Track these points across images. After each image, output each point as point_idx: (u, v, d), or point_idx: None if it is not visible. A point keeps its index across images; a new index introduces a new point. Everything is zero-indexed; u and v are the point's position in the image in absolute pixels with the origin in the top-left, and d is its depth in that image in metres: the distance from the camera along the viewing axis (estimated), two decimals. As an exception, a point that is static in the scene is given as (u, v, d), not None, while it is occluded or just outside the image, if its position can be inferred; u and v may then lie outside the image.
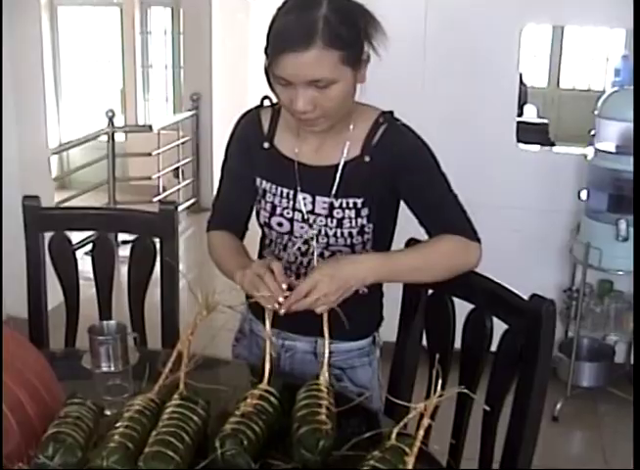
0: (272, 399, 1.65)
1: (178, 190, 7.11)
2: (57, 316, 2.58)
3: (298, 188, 1.91)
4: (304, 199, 1.91)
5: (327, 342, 1.74)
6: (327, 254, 1.94)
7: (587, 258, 3.65)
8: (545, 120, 6.38)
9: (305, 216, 1.92)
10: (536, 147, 4.30)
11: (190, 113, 7.09)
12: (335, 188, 1.89)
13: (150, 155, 6.69)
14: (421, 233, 1.91)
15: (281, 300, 1.71)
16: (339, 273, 1.73)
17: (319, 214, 1.91)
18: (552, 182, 3.92)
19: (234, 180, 2.05)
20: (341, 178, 1.88)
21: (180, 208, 6.79)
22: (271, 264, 1.75)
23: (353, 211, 1.89)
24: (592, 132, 3.79)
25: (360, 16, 1.74)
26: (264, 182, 1.96)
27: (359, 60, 1.75)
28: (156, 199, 6.41)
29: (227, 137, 2.05)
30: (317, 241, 1.93)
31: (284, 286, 1.72)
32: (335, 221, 1.90)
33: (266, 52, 1.73)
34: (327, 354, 1.74)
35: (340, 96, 1.74)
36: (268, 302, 1.73)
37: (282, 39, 1.69)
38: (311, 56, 1.66)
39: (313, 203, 1.91)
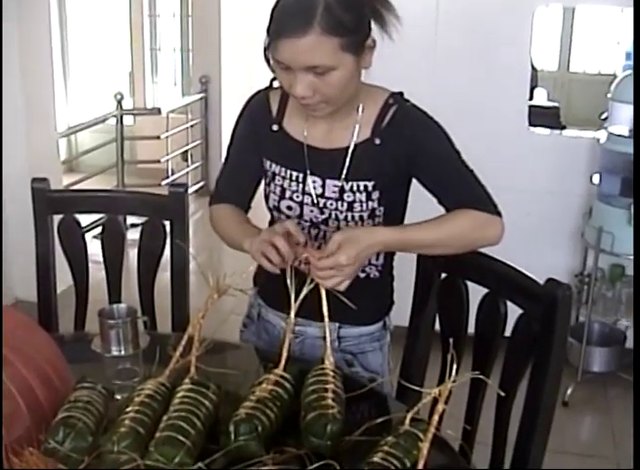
0: (287, 385, 1.64)
1: (187, 173, 7.09)
2: (66, 299, 2.57)
3: (308, 171, 1.90)
4: (314, 182, 1.89)
5: (327, 323, 1.73)
6: None
7: (599, 242, 3.63)
8: (556, 104, 6.33)
9: (315, 200, 1.90)
10: (548, 131, 4.27)
11: (199, 96, 7.06)
12: (345, 171, 1.87)
13: (158, 138, 6.67)
14: (432, 215, 1.89)
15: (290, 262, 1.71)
16: (358, 238, 1.69)
17: (329, 198, 1.89)
18: (564, 166, 3.89)
19: (239, 161, 2.03)
20: (351, 161, 1.86)
21: (189, 191, 6.75)
22: (285, 225, 1.73)
23: (364, 195, 1.87)
24: (603, 116, 3.76)
25: None
26: (274, 165, 1.94)
27: (362, 46, 1.72)
28: (164, 182, 6.39)
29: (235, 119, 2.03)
30: (327, 224, 1.91)
31: (301, 240, 1.72)
32: (345, 205, 1.88)
33: (268, 32, 1.71)
34: (328, 337, 1.73)
35: (339, 83, 1.71)
36: (274, 268, 1.72)
37: (280, 23, 1.67)
38: (308, 42, 1.63)
39: (323, 186, 1.89)
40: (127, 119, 6.56)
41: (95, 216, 4.85)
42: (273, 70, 1.78)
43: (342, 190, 1.88)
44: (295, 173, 1.91)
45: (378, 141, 1.86)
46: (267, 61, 1.76)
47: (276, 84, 1.90)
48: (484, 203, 1.84)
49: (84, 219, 2.60)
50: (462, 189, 1.86)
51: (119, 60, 8.25)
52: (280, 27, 1.66)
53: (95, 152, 6.52)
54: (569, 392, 3.78)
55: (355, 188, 1.87)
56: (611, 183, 3.69)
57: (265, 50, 1.74)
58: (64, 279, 2.56)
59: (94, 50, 8.30)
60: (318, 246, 1.91)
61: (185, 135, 7.06)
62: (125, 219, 5.12)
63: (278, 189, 1.94)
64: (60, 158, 5.22)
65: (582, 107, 7.07)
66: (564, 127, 5.30)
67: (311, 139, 1.90)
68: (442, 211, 1.87)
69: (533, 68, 5.89)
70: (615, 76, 3.81)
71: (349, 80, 1.74)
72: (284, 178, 1.93)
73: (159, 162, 6.72)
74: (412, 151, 1.85)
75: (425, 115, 1.87)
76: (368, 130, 1.87)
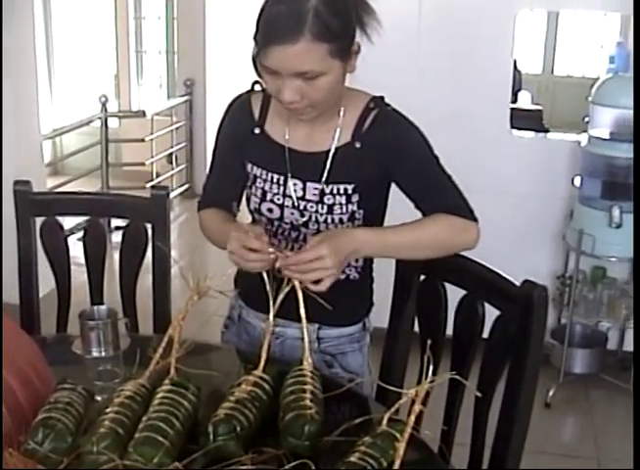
0: (266, 386, 1.65)
1: (172, 176, 7.08)
2: (49, 302, 2.57)
3: (289, 174, 1.91)
4: (295, 185, 1.91)
5: (305, 324, 1.74)
6: None
7: (580, 244, 3.65)
8: (539, 107, 6.37)
9: (296, 203, 1.91)
10: (530, 133, 4.30)
11: (183, 98, 7.06)
12: (325, 174, 1.88)
13: (143, 140, 6.66)
14: (411, 218, 1.91)
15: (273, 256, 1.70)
16: (338, 241, 1.71)
17: (310, 201, 1.90)
18: (546, 169, 3.92)
19: (224, 166, 2.05)
20: (331, 164, 1.88)
21: (173, 193, 6.76)
22: (251, 230, 1.73)
23: (344, 198, 1.88)
24: (586, 119, 3.78)
25: (353, 4, 1.73)
26: (255, 168, 1.96)
27: (349, 51, 1.73)
28: (149, 184, 6.37)
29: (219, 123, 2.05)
30: (307, 227, 1.93)
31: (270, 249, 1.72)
32: (325, 207, 1.89)
33: (255, 39, 1.72)
34: (307, 338, 1.74)
35: (327, 87, 1.73)
36: (262, 267, 1.73)
37: (270, 30, 1.67)
38: (299, 48, 1.64)
39: (304, 189, 1.90)
40: (113, 122, 6.56)
41: (80, 219, 4.85)
42: (260, 75, 1.79)
43: (322, 193, 1.89)
44: (276, 176, 1.92)
45: (358, 145, 1.87)
46: (255, 66, 1.77)
47: (258, 88, 1.91)
48: (461, 208, 1.87)
49: (69, 222, 2.60)
50: (439, 194, 1.88)
51: (105, 62, 8.23)
52: (270, 34, 1.67)
53: (80, 154, 6.52)
54: (550, 393, 3.80)
55: (335, 191, 1.88)
56: (592, 186, 3.72)
57: (254, 57, 1.75)
58: (47, 282, 2.56)
59: (79, 52, 8.28)
60: (299, 247, 1.94)
61: (170, 138, 7.06)
62: (110, 222, 5.15)
63: (259, 191, 1.95)
64: (44, 160, 5.21)
65: (566, 110, 7.12)
66: (547, 130, 5.34)
67: (292, 142, 1.91)
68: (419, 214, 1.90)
69: (518, 70, 5.93)
70: (597, 80, 3.83)
71: (336, 85, 1.76)
72: (265, 181, 1.94)
73: (143, 164, 6.72)
74: (391, 155, 1.87)
75: (405, 119, 1.89)
76: (349, 134, 1.88)
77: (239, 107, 1.99)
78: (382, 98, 1.91)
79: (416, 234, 1.85)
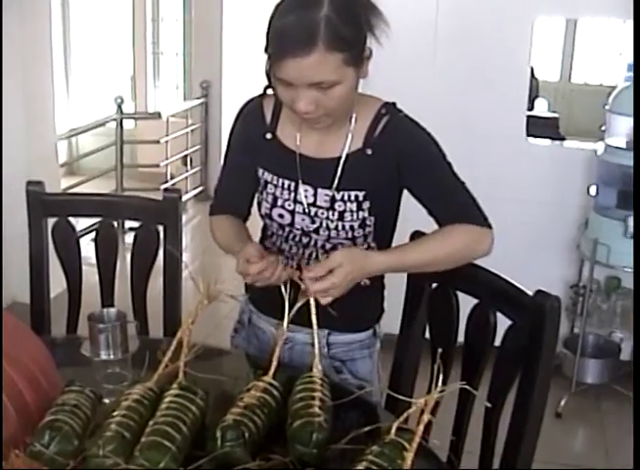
0: (275, 392, 1.65)
1: (186, 178, 7.10)
2: (60, 303, 2.57)
3: (300, 180, 1.90)
4: (306, 191, 1.90)
5: (316, 331, 1.75)
6: (328, 246, 1.93)
7: (595, 254, 3.63)
8: (556, 115, 6.34)
9: (306, 209, 1.90)
10: (546, 141, 4.27)
11: (199, 100, 7.08)
12: (337, 181, 1.87)
13: (158, 142, 6.68)
14: (424, 225, 1.90)
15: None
16: (360, 267, 1.74)
17: (320, 207, 1.89)
18: (561, 177, 3.90)
19: (235, 169, 2.05)
20: (342, 171, 1.86)
21: (188, 196, 6.78)
22: (247, 257, 1.77)
23: (355, 204, 1.87)
24: (603, 127, 3.76)
25: (362, 9, 1.71)
26: (266, 173, 1.95)
27: (361, 58, 1.72)
28: (163, 186, 6.37)
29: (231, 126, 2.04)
30: (318, 233, 1.92)
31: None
32: (336, 214, 1.88)
33: (266, 50, 1.71)
34: (317, 346, 1.74)
35: (342, 96, 1.72)
36: (280, 277, 1.77)
37: (283, 42, 1.66)
38: (313, 60, 1.63)
39: (315, 195, 1.89)
40: (129, 123, 6.56)
41: (93, 220, 4.85)
42: (271, 85, 1.78)
43: (333, 199, 1.88)
44: (287, 182, 1.92)
45: (369, 151, 1.86)
46: (269, 79, 1.77)
47: (270, 92, 1.90)
48: (476, 216, 1.85)
49: (83, 223, 2.59)
50: (452, 201, 1.87)
51: (122, 63, 8.26)
52: (283, 47, 1.65)
53: (95, 155, 6.54)
54: (562, 403, 3.78)
55: (346, 198, 1.87)
56: (607, 195, 3.69)
57: (267, 70, 1.74)
58: (59, 282, 2.56)
59: (97, 53, 8.32)
60: (308, 254, 1.95)
61: (185, 140, 7.07)
62: (124, 223, 5.15)
63: (270, 197, 1.94)
64: (58, 160, 5.20)
65: (583, 118, 7.07)
66: (563, 138, 5.31)
67: (304, 148, 1.90)
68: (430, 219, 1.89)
69: (535, 78, 5.91)
70: (615, 88, 3.80)
71: (350, 92, 1.75)
72: (276, 186, 1.93)
73: (158, 166, 6.73)
74: (403, 162, 1.85)
75: (417, 125, 1.87)
76: (360, 140, 1.87)
77: (251, 111, 1.98)
78: (394, 104, 1.89)
79: (433, 251, 1.85)
